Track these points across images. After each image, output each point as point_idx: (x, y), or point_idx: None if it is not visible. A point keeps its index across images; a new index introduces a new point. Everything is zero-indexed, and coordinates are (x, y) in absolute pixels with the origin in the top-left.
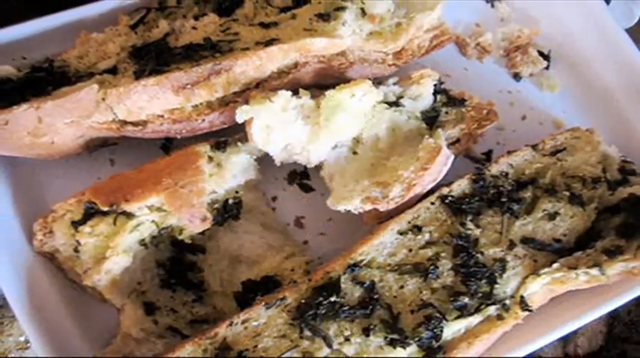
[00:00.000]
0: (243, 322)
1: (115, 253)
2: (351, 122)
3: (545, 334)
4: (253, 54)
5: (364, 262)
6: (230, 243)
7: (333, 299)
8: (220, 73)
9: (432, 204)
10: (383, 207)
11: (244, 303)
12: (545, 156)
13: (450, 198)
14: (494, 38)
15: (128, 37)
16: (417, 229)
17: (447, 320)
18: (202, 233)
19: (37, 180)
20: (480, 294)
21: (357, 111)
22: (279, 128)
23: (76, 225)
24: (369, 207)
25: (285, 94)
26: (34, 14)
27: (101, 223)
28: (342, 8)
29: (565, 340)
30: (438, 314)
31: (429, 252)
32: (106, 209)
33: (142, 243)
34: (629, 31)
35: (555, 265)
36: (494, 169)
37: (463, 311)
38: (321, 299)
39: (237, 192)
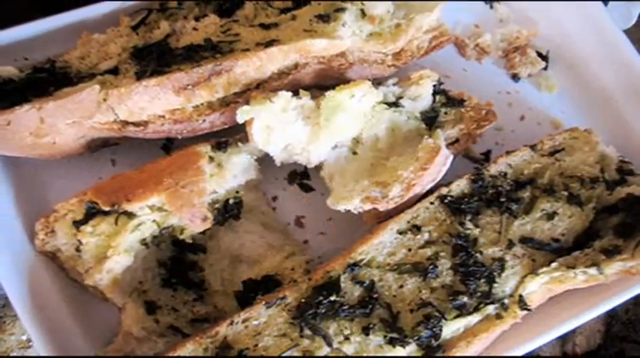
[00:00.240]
0: (244, 321)
1: (117, 252)
2: (351, 122)
3: (543, 333)
4: (254, 55)
5: (364, 261)
6: (231, 243)
7: (333, 298)
8: (221, 74)
9: (432, 203)
10: (382, 206)
11: (245, 302)
12: (544, 156)
13: (449, 197)
14: (493, 39)
15: (129, 38)
16: (416, 229)
17: (446, 320)
18: (203, 232)
19: (38, 180)
20: (478, 293)
21: (356, 112)
22: (280, 128)
23: (77, 224)
24: (368, 206)
25: (285, 95)
26: (36, 15)
27: (103, 223)
28: (342, 9)
29: (563, 339)
30: (437, 314)
31: (429, 251)
32: (107, 209)
33: (144, 242)
34: (627, 32)
35: (554, 264)
36: (493, 169)
37: (462, 311)
38: (321, 298)
39: (237, 192)
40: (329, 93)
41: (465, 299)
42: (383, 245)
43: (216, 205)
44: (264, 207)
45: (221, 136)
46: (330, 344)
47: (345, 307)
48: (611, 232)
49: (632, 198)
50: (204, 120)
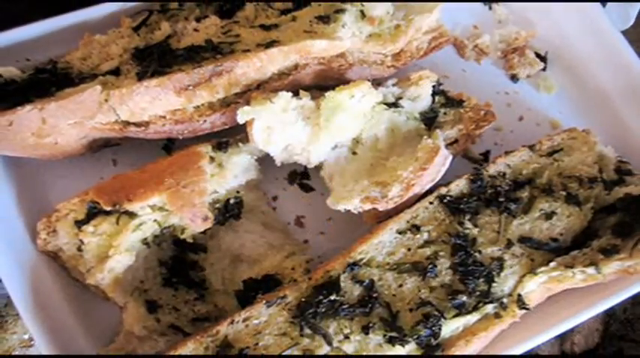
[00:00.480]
0: (245, 320)
1: (118, 252)
2: (351, 123)
3: (542, 332)
4: (254, 55)
5: (364, 261)
6: (231, 242)
7: (332, 297)
8: (222, 75)
9: (431, 203)
10: (382, 206)
11: (245, 302)
12: (542, 156)
13: (448, 197)
14: (491, 40)
15: (131, 39)
16: (415, 228)
17: (445, 319)
18: (204, 232)
19: (40, 180)
20: (477, 293)
21: (356, 112)
22: (280, 129)
23: (79, 224)
24: (368, 206)
25: (285, 95)
26: (38, 16)
27: (104, 222)
28: (342, 10)
29: (562, 338)
30: (436, 313)
31: (428, 251)
32: (108, 208)
33: (145, 242)
34: (624, 33)
35: (552, 264)
36: (492, 169)
37: (461, 310)
38: (321, 297)
39: (238, 191)
40: (329, 94)
41: (464, 298)
42: (382, 244)
43: (217, 205)
44: (265, 207)
45: (222, 136)
46: (330, 343)
47: (345, 306)
48: (609, 232)
49: (630, 197)
50: (204, 121)
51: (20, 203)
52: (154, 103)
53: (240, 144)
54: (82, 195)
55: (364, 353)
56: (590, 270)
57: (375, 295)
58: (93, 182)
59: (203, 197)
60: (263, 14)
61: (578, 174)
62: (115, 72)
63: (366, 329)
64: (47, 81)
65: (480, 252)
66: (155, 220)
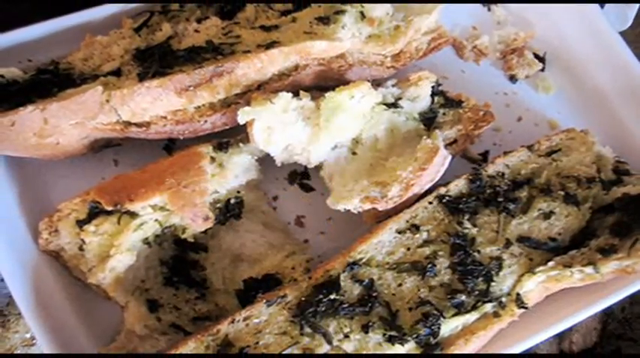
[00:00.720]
0: (245, 319)
1: (119, 251)
2: (351, 123)
3: (540, 331)
4: (255, 56)
5: (363, 260)
6: (232, 242)
7: (332, 296)
8: (222, 75)
9: (430, 203)
10: (382, 206)
11: (246, 301)
12: (541, 156)
13: (447, 197)
14: (490, 41)
15: (132, 40)
16: (415, 228)
17: (444, 318)
18: (205, 232)
19: (42, 180)
20: (476, 292)
21: (356, 113)
22: (280, 129)
23: (80, 224)
24: (368, 206)
25: (285, 96)
26: (39, 18)
27: (105, 222)
28: (342, 12)
29: (560, 337)
30: (435, 312)
31: (427, 250)
32: (110, 208)
33: (146, 241)
34: (622, 34)
35: (551, 263)
36: (491, 169)
37: (460, 309)
38: (321, 296)
39: (238, 191)
40: (329, 95)
41: (463, 297)
42: (382, 244)
43: (218, 205)
44: (265, 207)
45: (222, 137)
46: (330, 342)
47: (345, 305)
48: (608, 231)
49: (628, 197)
50: (205, 121)
51: (22, 203)
52: (155, 104)
53: (241, 144)
54: (83, 195)
55: (364, 352)
56: (589, 270)
57: (374, 294)
58: (94, 182)
59: (204, 197)
60: (263, 15)
61: (576, 174)
62: (117, 72)
63: (365, 328)
64: (49, 81)
65: (478, 251)
66: (156, 220)
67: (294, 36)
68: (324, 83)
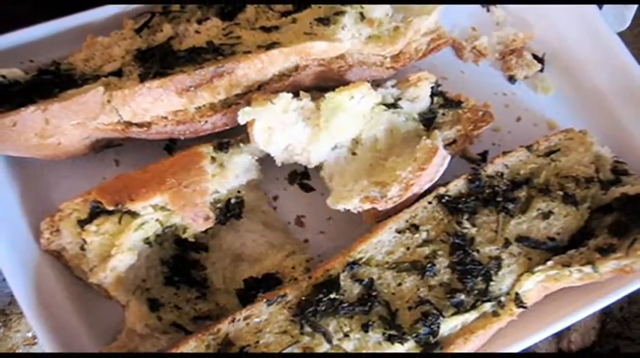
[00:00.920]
0: (245, 318)
1: (120, 251)
2: (351, 123)
3: (539, 330)
4: (255, 57)
5: (363, 260)
6: (232, 242)
7: (332, 296)
8: (223, 76)
9: (429, 203)
10: (381, 206)
11: (246, 300)
12: (540, 156)
13: (446, 197)
14: (489, 42)
15: (133, 41)
16: (414, 228)
17: (443, 317)
18: (205, 231)
19: (44, 180)
20: (475, 291)
21: (356, 113)
22: (280, 129)
23: (82, 223)
24: (367, 206)
25: (286, 96)
26: (41, 18)
27: (107, 222)
28: (342, 12)
29: (559, 336)
30: (435, 311)
31: (427, 250)
32: (111, 208)
33: (147, 241)
34: (621, 34)
35: (549, 263)
36: (490, 169)
37: (459, 308)
38: (321, 296)
39: (239, 191)
40: (329, 95)
41: (463, 296)
42: (382, 244)
43: (218, 205)
44: (265, 207)
45: (223, 137)
46: (329, 341)
47: (345, 305)
48: (606, 231)
49: (627, 197)
50: (206, 122)
51: (24, 203)
52: (156, 104)
53: (241, 144)
54: (84, 194)
55: (364, 351)
56: (587, 269)
57: (374, 293)
58: (95, 182)
59: (204, 197)
60: (264, 16)
61: (575, 174)
62: (118, 73)
63: (365, 328)
64: (50, 82)
65: (478, 251)
66: (157, 220)
67: (294, 37)
68: (324, 84)
